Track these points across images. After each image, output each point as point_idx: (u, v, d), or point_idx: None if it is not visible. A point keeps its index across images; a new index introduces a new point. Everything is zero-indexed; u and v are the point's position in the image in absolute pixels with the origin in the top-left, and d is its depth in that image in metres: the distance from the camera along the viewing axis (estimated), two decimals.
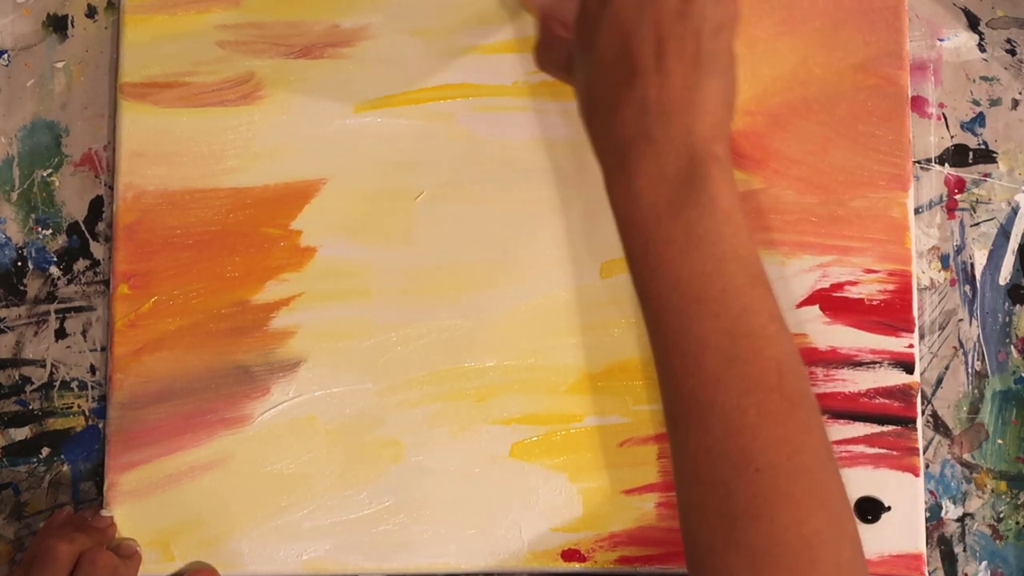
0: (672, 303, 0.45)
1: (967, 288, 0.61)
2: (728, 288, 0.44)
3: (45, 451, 0.60)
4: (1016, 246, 0.62)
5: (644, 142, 0.46)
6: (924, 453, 0.60)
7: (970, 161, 0.62)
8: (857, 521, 0.58)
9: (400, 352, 0.59)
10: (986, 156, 0.62)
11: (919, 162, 0.62)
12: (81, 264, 0.61)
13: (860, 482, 0.58)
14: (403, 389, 0.59)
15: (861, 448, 0.59)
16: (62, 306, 0.60)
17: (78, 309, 0.60)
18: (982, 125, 0.62)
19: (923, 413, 0.61)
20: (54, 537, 0.53)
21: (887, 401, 0.59)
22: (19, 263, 0.60)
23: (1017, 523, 0.60)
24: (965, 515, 0.60)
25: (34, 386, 0.60)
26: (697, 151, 0.46)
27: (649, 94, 0.46)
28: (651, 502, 0.58)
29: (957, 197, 0.62)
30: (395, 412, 0.59)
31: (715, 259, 0.45)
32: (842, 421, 0.59)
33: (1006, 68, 0.63)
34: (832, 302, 0.59)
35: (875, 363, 0.59)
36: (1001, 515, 0.60)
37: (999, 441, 0.61)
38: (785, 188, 0.60)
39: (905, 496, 0.58)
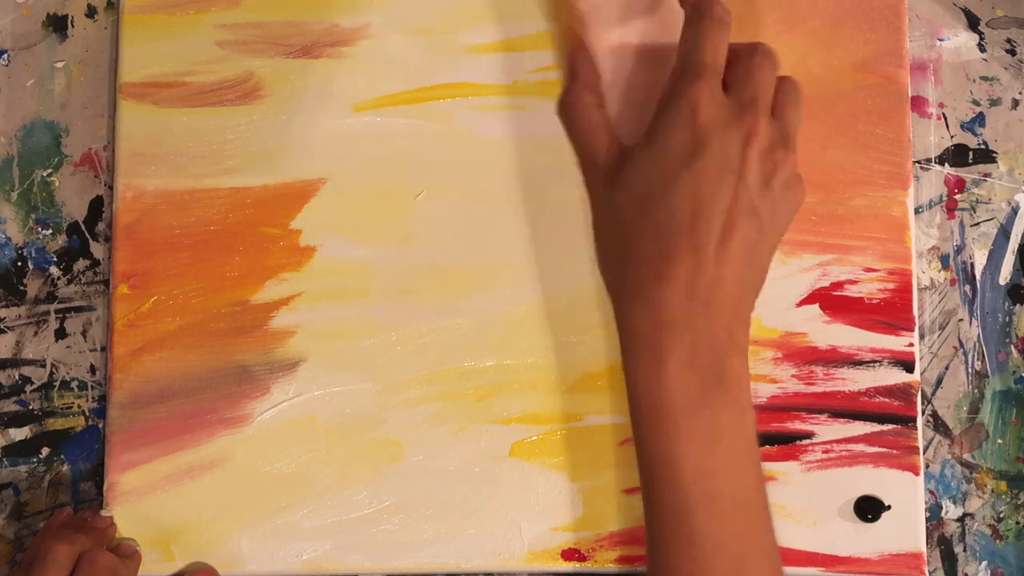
0: (688, 498, 0.44)
1: (967, 288, 0.61)
2: (743, 485, 0.45)
3: (45, 451, 0.60)
4: (1016, 246, 0.62)
5: (683, 329, 0.45)
6: (924, 453, 0.60)
7: (970, 161, 0.62)
8: (857, 520, 0.58)
9: (400, 352, 0.59)
10: (986, 156, 0.62)
11: (919, 162, 0.62)
12: (81, 264, 0.61)
13: (860, 481, 0.58)
14: (403, 389, 0.59)
15: (861, 447, 0.59)
16: (62, 306, 0.60)
17: (78, 309, 0.60)
18: (982, 125, 0.62)
19: (923, 413, 0.61)
20: (53, 538, 0.53)
21: (887, 400, 0.59)
22: (19, 263, 0.60)
23: (1017, 523, 0.60)
24: (965, 515, 0.60)
25: (34, 386, 0.60)
26: (729, 345, 0.45)
27: (701, 281, 0.45)
28: None
29: (957, 197, 0.62)
30: (395, 412, 0.59)
31: (734, 456, 0.45)
32: (842, 420, 0.59)
33: (1006, 68, 0.63)
34: (832, 301, 0.59)
35: (875, 362, 0.59)
36: (1001, 515, 0.60)
37: (999, 441, 0.61)
38: None
39: (905, 495, 0.58)
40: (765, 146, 0.47)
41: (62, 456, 0.60)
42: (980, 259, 0.62)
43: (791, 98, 0.50)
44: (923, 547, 0.58)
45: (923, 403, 0.61)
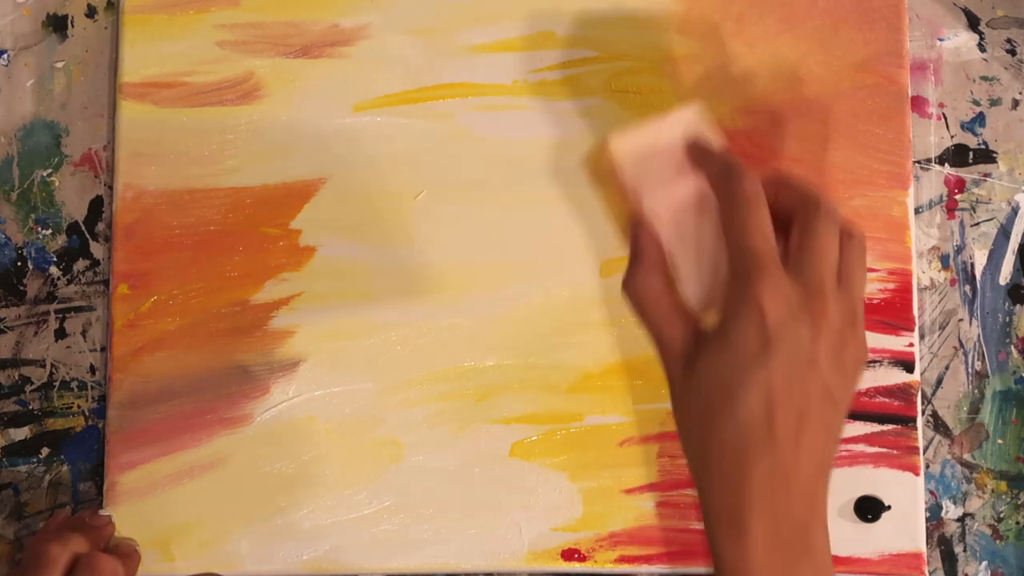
0: None
1: (967, 288, 0.61)
2: None
3: (45, 451, 0.60)
4: (1016, 246, 0.62)
5: (767, 507, 0.45)
6: (924, 453, 0.60)
7: (970, 161, 0.62)
8: (857, 520, 0.58)
9: (400, 352, 0.59)
10: (986, 156, 0.62)
11: (919, 162, 0.62)
12: (81, 264, 0.61)
13: (860, 481, 0.58)
14: (403, 389, 0.59)
15: (861, 447, 0.59)
16: (62, 306, 0.60)
17: (78, 309, 0.60)
18: (982, 125, 0.62)
19: (923, 413, 0.60)
20: (49, 540, 0.52)
21: (887, 400, 0.59)
22: (19, 263, 0.60)
23: (1017, 523, 0.60)
24: (965, 515, 0.60)
25: (34, 386, 0.60)
26: (810, 521, 0.46)
27: (781, 468, 0.45)
28: (651, 502, 0.58)
29: (957, 197, 0.62)
30: (395, 412, 0.59)
31: None
32: None
33: (1006, 68, 0.63)
34: None
35: (875, 362, 0.59)
36: (1001, 515, 0.60)
37: (999, 441, 0.61)
38: None
39: (905, 495, 0.58)
40: (836, 329, 0.47)
41: (62, 456, 0.60)
42: (980, 259, 0.62)
43: (858, 264, 0.49)
44: (923, 547, 0.58)
45: (923, 403, 0.61)
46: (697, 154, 0.51)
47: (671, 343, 0.49)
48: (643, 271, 0.49)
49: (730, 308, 0.47)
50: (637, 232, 0.50)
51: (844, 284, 0.48)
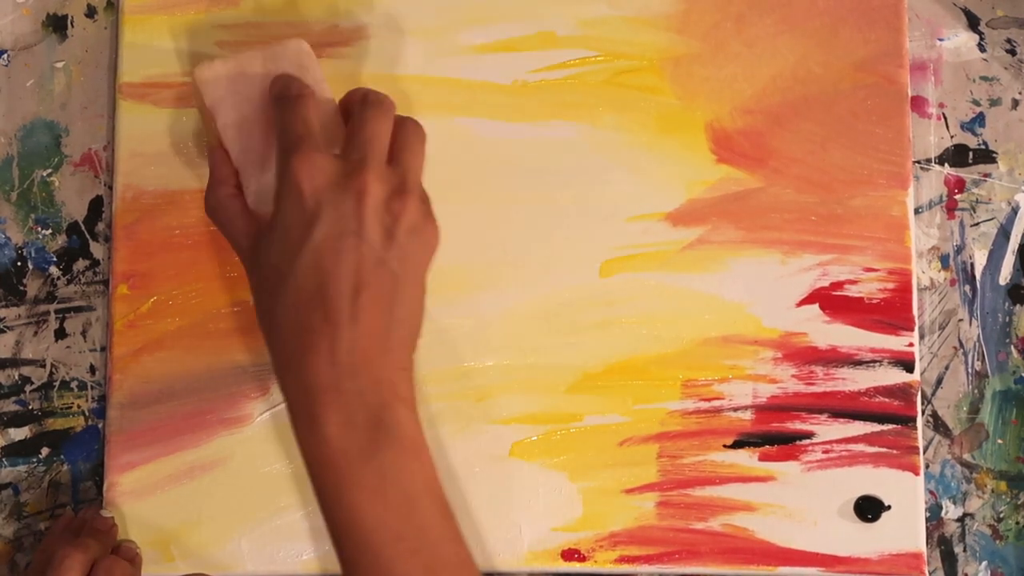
0: (371, 545, 0.45)
1: (967, 288, 0.61)
2: (424, 524, 0.46)
3: (45, 451, 0.59)
4: (1016, 246, 0.62)
5: (333, 392, 0.45)
6: (924, 453, 0.60)
7: (970, 161, 0.62)
8: (857, 520, 0.58)
9: None
10: (986, 156, 0.62)
11: (919, 162, 0.62)
12: (81, 264, 0.60)
13: (860, 481, 0.58)
14: None
15: (861, 447, 0.59)
16: (62, 306, 0.60)
17: (78, 309, 0.60)
18: (982, 125, 0.63)
19: (923, 413, 0.61)
20: (67, 545, 0.52)
21: (887, 400, 0.59)
22: (19, 263, 0.60)
23: (1017, 523, 0.60)
24: (965, 515, 0.60)
25: (34, 386, 0.60)
26: (385, 398, 0.46)
27: (340, 346, 0.46)
28: (651, 501, 0.58)
29: (957, 197, 0.62)
30: None
31: (408, 497, 0.45)
32: (842, 420, 0.59)
33: (1006, 68, 0.63)
34: (832, 301, 0.60)
35: (875, 362, 0.59)
36: (1001, 515, 0.60)
37: (999, 441, 0.61)
38: (785, 187, 0.60)
39: (905, 495, 0.58)
40: (380, 199, 0.48)
41: (62, 456, 0.60)
42: (980, 259, 0.62)
43: (409, 142, 0.50)
44: (923, 547, 0.58)
45: (923, 403, 0.61)
46: (273, 80, 0.53)
47: (240, 241, 0.51)
48: (213, 184, 0.52)
49: (277, 194, 0.49)
50: (212, 154, 0.53)
51: (394, 160, 0.49)
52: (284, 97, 0.52)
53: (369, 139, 0.49)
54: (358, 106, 0.51)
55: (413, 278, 0.48)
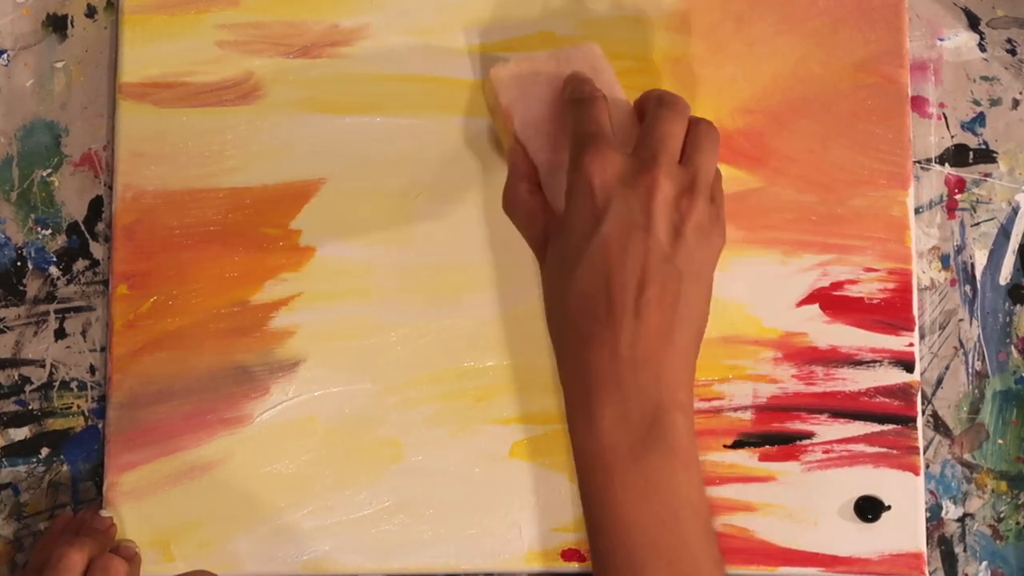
0: (625, 546, 0.45)
1: (967, 288, 0.61)
2: (682, 537, 0.45)
3: (45, 451, 0.59)
4: (1016, 246, 0.62)
5: (612, 385, 0.46)
6: (924, 453, 0.60)
7: (970, 161, 0.62)
8: (857, 520, 0.58)
9: (400, 352, 0.59)
10: (986, 156, 0.62)
11: (919, 162, 0.62)
12: (81, 264, 0.60)
13: (860, 481, 0.58)
14: (403, 389, 0.59)
15: (861, 447, 0.59)
16: (62, 306, 0.60)
17: (78, 309, 0.60)
18: (982, 125, 0.63)
19: (923, 413, 0.61)
20: (65, 544, 0.52)
21: (887, 400, 0.59)
22: (19, 263, 0.60)
23: (1017, 523, 0.60)
24: (965, 515, 0.60)
25: (34, 386, 0.60)
26: (663, 400, 0.46)
27: (623, 339, 0.46)
28: None
29: (957, 197, 0.62)
30: (395, 412, 0.59)
31: (671, 508, 0.45)
32: (842, 420, 0.59)
33: (1006, 68, 0.63)
34: (832, 301, 0.59)
35: (875, 362, 0.59)
36: (1001, 515, 0.60)
37: (999, 441, 0.61)
38: (785, 186, 0.60)
39: (905, 495, 0.58)
40: (670, 196, 0.48)
41: (62, 456, 0.60)
42: (980, 259, 0.62)
43: (701, 142, 0.50)
44: (923, 547, 0.58)
45: (923, 403, 0.61)
46: (566, 80, 0.54)
47: (535, 240, 0.51)
48: (511, 183, 0.53)
49: (568, 190, 0.49)
50: (511, 151, 0.54)
51: (686, 160, 0.49)
52: (577, 98, 0.52)
53: (661, 138, 0.49)
54: (652, 106, 0.51)
55: (699, 277, 0.48)
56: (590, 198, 0.48)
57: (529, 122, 0.54)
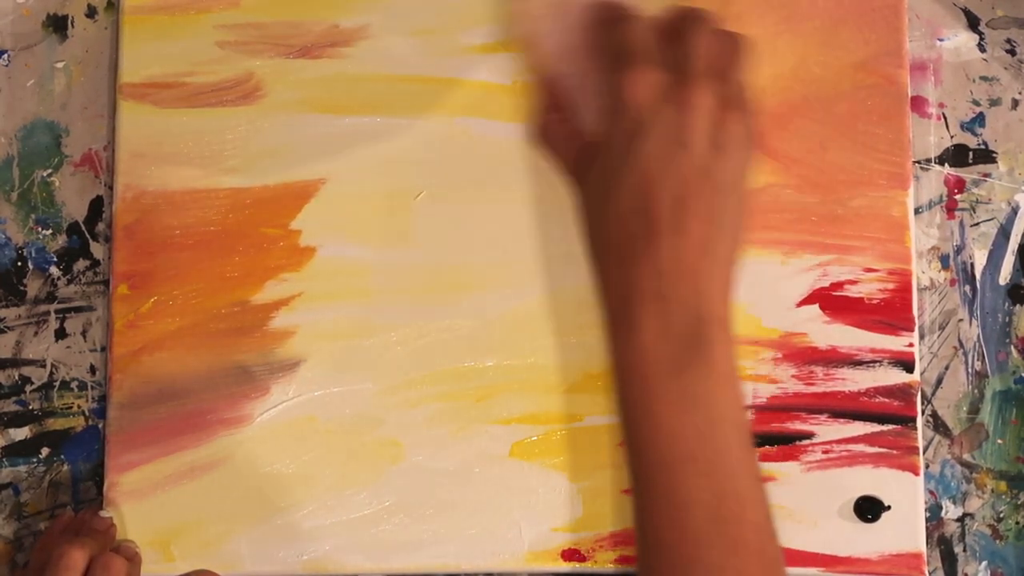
0: (664, 458, 0.45)
1: (967, 288, 0.61)
2: (720, 449, 0.45)
3: (45, 451, 0.60)
4: (1016, 246, 0.62)
5: (653, 300, 0.45)
6: (924, 453, 0.60)
7: (970, 161, 0.62)
8: (857, 520, 0.58)
9: (400, 352, 0.59)
10: (986, 156, 0.62)
11: (919, 162, 0.62)
12: (81, 264, 0.61)
13: (860, 481, 0.58)
14: (403, 389, 0.59)
15: (861, 447, 0.59)
16: (62, 306, 0.60)
17: (78, 309, 0.60)
18: (982, 125, 0.62)
19: (923, 413, 0.61)
20: (65, 543, 0.52)
21: (887, 400, 0.59)
22: (19, 263, 0.60)
23: (1017, 523, 0.60)
24: (965, 515, 0.60)
25: (34, 386, 0.60)
26: (703, 313, 0.45)
27: (663, 254, 0.45)
28: None
29: (957, 197, 0.62)
30: (395, 412, 0.59)
31: (710, 421, 0.45)
32: (842, 420, 0.59)
33: (1006, 68, 0.63)
34: (832, 301, 0.59)
35: (875, 362, 0.59)
36: (1001, 515, 0.60)
37: (999, 441, 0.61)
38: (785, 187, 0.60)
39: (905, 495, 0.58)
40: (706, 111, 0.47)
41: (62, 456, 0.60)
42: (980, 259, 0.62)
43: (735, 57, 0.50)
44: (923, 547, 0.58)
45: (923, 403, 0.61)
46: (593, 5, 0.53)
47: (567, 163, 0.51)
48: (541, 113, 0.52)
49: (604, 111, 0.49)
50: (537, 83, 0.53)
51: (720, 72, 0.49)
52: (608, 19, 0.51)
53: (695, 54, 0.48)
54: (685, 23, 0.50)
55: (735, 189, 0.48)
56: (626, 117, 0.47)
57: (554, 51, 0.53)
